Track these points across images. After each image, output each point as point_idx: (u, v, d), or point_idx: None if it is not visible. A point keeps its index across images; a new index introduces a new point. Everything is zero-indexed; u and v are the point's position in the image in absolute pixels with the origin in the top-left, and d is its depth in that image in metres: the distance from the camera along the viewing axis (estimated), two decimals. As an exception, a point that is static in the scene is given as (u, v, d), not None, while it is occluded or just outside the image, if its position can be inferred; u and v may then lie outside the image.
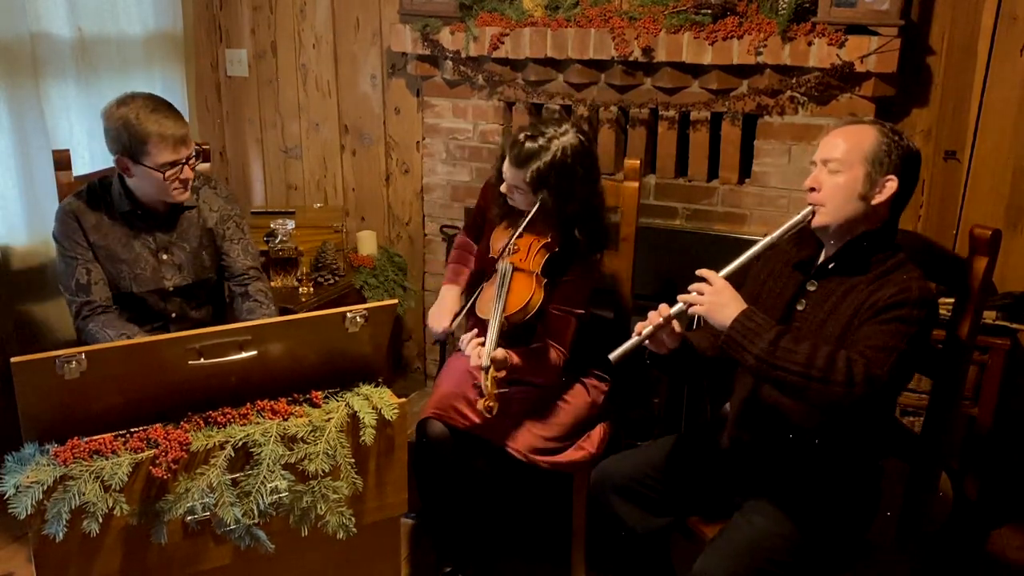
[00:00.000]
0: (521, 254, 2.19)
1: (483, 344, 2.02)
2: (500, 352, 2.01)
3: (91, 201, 2.22)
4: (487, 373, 1.97)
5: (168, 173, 2.12)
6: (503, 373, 2.02)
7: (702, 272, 1.73)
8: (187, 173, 2.15)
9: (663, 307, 1.76)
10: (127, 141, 2.09)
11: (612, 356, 1.76)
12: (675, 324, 1.77)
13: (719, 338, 1.70)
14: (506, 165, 2.17)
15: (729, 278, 1.73)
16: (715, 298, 1.69)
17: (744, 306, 1.68)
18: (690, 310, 1.72)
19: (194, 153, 2.18)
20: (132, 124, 2.07)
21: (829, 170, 1.74)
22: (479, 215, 2.48)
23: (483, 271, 2.33)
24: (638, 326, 1.77)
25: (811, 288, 1.81)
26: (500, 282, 2.13)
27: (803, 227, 1.78)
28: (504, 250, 2.19)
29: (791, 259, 1.86)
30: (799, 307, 1.81)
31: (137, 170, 2.13)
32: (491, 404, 1.96)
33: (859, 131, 1.75)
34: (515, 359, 2.09)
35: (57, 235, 2.21)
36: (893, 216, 1.76)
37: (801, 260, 1.85)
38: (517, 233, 2.16)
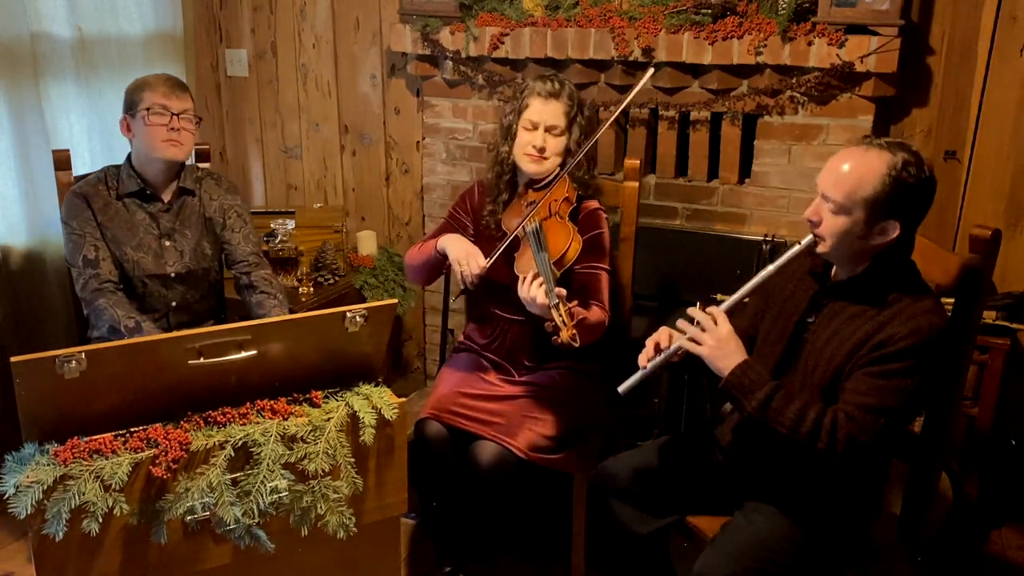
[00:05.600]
0: (543, 212, 2.16)
1: (542, 285, 1.95)
2: (562, 290, 1.94)
3: (100, 184, 2.30)
4: (558, 308, 1.91)
5: (153, 118, 2.19)
6: (574, 303, 1.96)
7: (712, 311, 1.73)
8: (175, 123, 2.21)
9: (662, 334, 1.79)
10: (129, 97, 2.23)
11: (621, 389, 1.79)
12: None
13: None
14: (536, 108, 2.18)
15: (732, 310, 1.75)
16: (719, 345, 1.71)
17: (743, 357, 1.70)
18: (691, 348, 1.74)
19: (189, 115, 2.24)
20: (137, 82, 2.25)
21: (829, 208, 1.67)
22: (457, 224, 2.39)
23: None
24: (642, 357, 1.80)
25: (822, 302, 1.79)
26: (535, 239, 2.06)
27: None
28: (526, 215, 2.15)
29: (806, 266, 1.85)
30: (809, 319, 1.80)
31: (134, 126, 2.24)
32: (573, 332, 1.89)
33: (864, 169, 1.62)
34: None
35: (65, 217, 2.26)
36: (904, 237, 1.69)
37: (814, 269, 1.84)
38: (553, 181, 2.20)
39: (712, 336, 1.70)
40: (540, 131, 2.18)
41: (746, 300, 1.81)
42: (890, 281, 1.70)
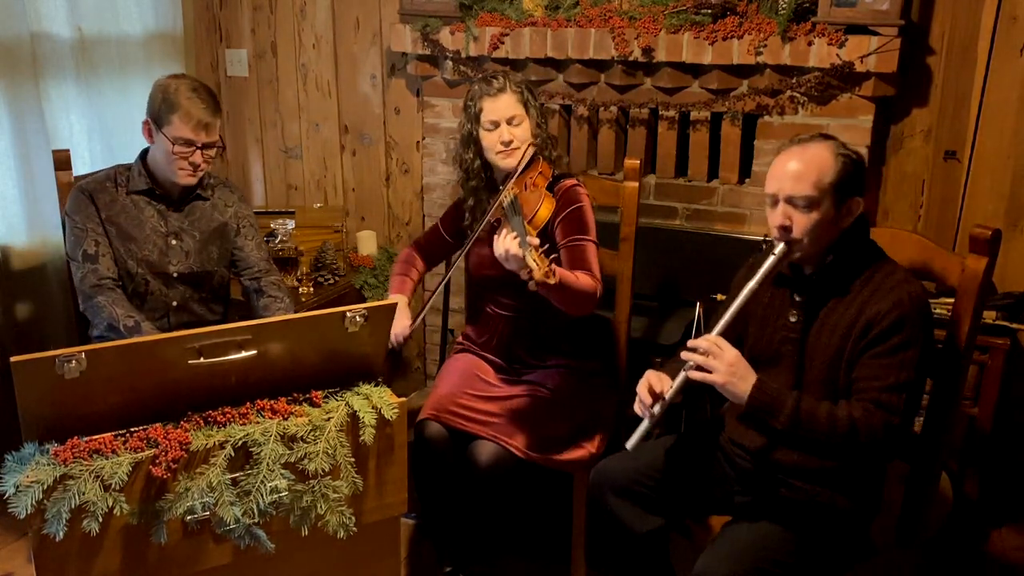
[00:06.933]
0: (518, 186, 2.19)
1: (516, 238, 1.90)
2: (534, 239, 1.89)
3: (108, 181, 2.30)
4: (531, 252, 1.85)
5: (177, 149, 2.17)
6: (545, 247, 1.90)
7: (709, 338, 1.73)
8: (196, 157, 2.20)
9: (652, 378, 1.78)
10: (158, 105, 2.18)
11: (629, 445, 1.78)
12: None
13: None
14: (489, 108, 2.20)
15: (724, 334, 1.75)
16: (731, 370, 1.71)
17: (755, 376, 1.71)
18: (703, 378, 1.72)
19: (213, 143, 2.22)
20: (169, 92, 2.17)
21: (797, 207, 1.71)
22: (450, 231, 2.49)
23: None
24: (638, 407, 1.78)
25: (799, 299, 1.82)
26: (511, 209, 2.01)
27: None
28: (501, 193, 2.16)
29: (774, 273, 1.85)
30: (792, 319, 1.82)
31: (157, 138, 2.21)
32: (547, 268, 1.84)
33: (816, 159, 1.70)
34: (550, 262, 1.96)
35: (69, 211, 2.27)
36: (862, 214, 1.77)
37: (783, 273, 1.85)
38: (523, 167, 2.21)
39: (722, 362, 1.71)
40: (503, 126, 2.21)
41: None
42: (858, 262, 1.76)
